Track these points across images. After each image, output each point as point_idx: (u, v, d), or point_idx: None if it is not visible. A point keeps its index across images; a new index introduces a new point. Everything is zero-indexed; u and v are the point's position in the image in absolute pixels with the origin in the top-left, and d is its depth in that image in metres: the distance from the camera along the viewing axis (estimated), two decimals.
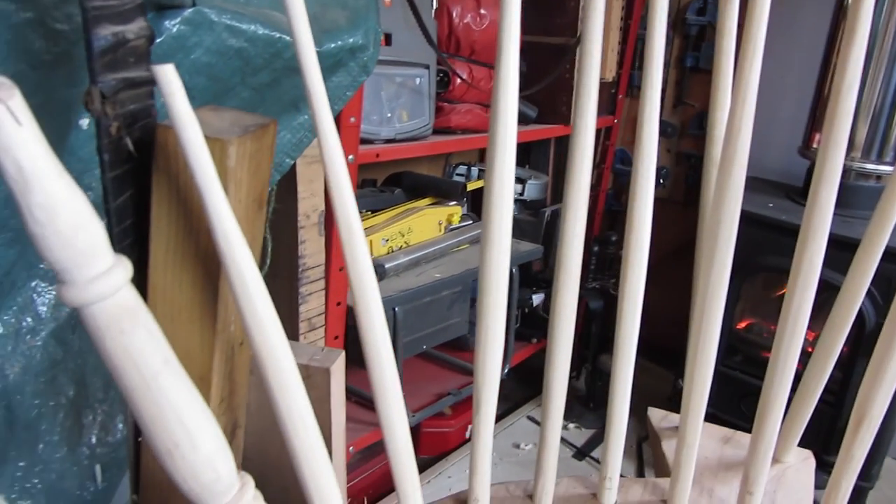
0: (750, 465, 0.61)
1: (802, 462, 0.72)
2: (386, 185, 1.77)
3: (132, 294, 0.35)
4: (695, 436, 0.61)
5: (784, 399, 0.60)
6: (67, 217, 0.32)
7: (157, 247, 0.46)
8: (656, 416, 0.77)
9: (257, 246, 0.53)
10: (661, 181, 2.17)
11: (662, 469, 0.71)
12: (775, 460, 0.71)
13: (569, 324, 0.58)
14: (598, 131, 2.22)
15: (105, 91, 0.43)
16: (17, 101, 0.30)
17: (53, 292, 0.63)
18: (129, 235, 0.46)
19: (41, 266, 0.62)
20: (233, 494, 0.41)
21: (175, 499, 0.53)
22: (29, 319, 0.61)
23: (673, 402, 1.81)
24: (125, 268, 0.35)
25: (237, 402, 0.55)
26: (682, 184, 2.15)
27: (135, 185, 0.46)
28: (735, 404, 1.70)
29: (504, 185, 0.54)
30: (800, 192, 1.76)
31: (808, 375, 0.67)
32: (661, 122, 2.15)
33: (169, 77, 0.38)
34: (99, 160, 0.44)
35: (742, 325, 1.79)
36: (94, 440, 0.62)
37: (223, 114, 0.47)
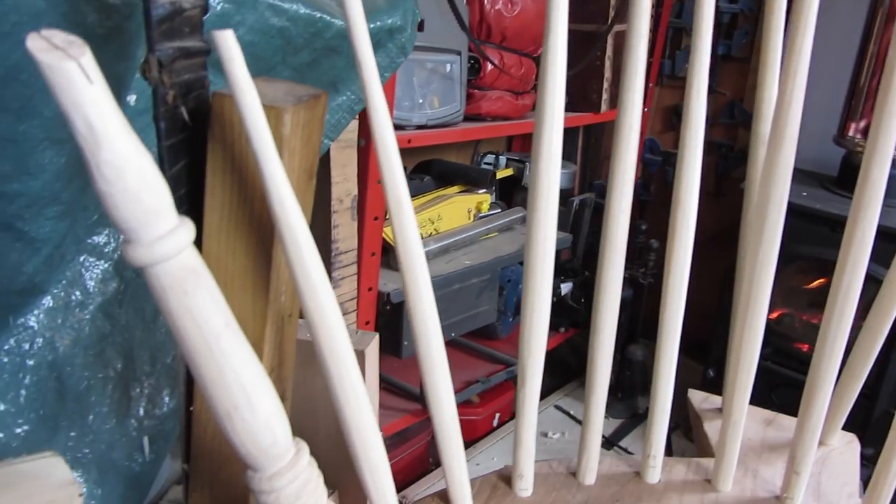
0: (797, 445, 0.61)
1: (846, 445, 0.71)
2: (415, 172, 1.77)
3: (195, 255, 0.36)
4: (741, 413, 0.61)
5: (832, 378, 0.59)
6: (135, 176, 0.32)
7: (211, 215, 0.46)
8: (697, 397, 0.77)
9: (307, 217, 0.53)
10: None
11: (705, 450, 0.70)
12: (820, 443, 0.70)
13: (614, 299, 0.58)
14: None
15: (162, 59, 0.43)
16: (88, 60, 0.31)
17: (101, 267, 0.63)
18: (184, 204, 0.47)
19: (89, 241, 0.63)
20: (288, 459, 0.41)
21: (225, 468, 0.53)
22: (77, 293, 0.62)
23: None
24: (189, 229, 0.35)
25: (285, 373, 0.55)
26: (712, 174, 2.12)
27: (189, 155, 0.47)
28: (766, 395, 1.69)
29: (552, 154, 0.54)
30: (834, 182, 1.74)
31: (852, 359, 0.66)
32: None
33: (228, 42, 0.38)
34: (155, 128, 0.44)
35: (773, 315, 1.77)
36: (141, 412, 0.63)
37: (276, 84, 0.48)
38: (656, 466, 0.62)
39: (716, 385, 1.42)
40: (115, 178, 0.32)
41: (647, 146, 2.17)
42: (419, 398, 1.54)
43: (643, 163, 2.21)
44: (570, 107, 1.83)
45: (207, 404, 0.38)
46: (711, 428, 0.72)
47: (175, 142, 0.45)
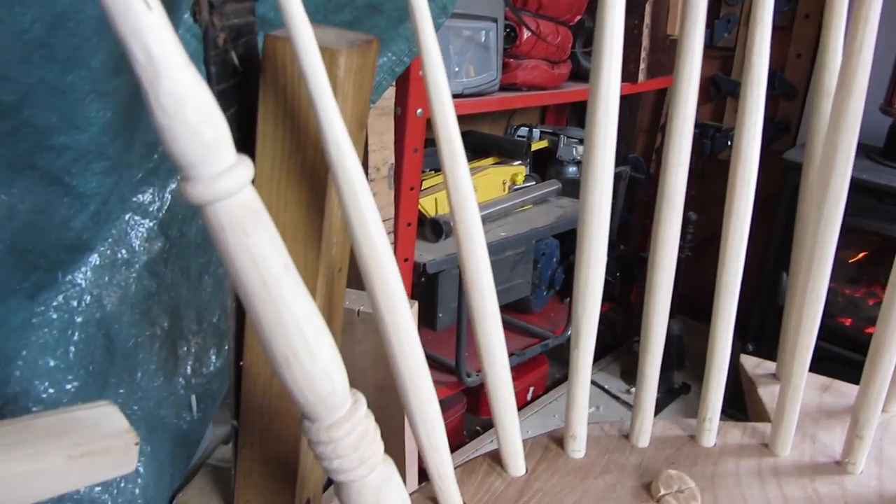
0: (860, 408, 0.58)
1: None
2: None
3: (255, 195, 0.35)
4: (801, 376, 0.59)
5: None
6: (195, 107, 0.31)
7: (262, 164, 0.45)
8: (749, 363, 0.75)
9: None
10: (729, 143, 2.10)
11: (759, 415, 0.68)
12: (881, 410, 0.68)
13: (671, 256, 0.56)
14: (662, 91, 2.16)
15: (213, 0, 0.42)
16: None
17: (146, 226, 0.63)
18: None
19: (134, 199, 0.62)
20: (346, 409, 0.40)
21: (275, 423, 0.53)
22: (123, 252, 0.61)
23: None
24: (248, 166, 0.34)
25: (334, 330, 0.54)
26: None
27: (239, 102, 0.46)
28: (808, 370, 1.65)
29: (610, 99, 0.52)
30: (881, 152, 1.69)
31: None
32: (730, 82, 2.08)
33: None
34: (206, 73, 0.43)
35: None
36: (188, 371, 0.63)
37: (326, 29, 0.46)
38: (712, 430, 0.61)
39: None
40: (175, 110, 0.31)
41: None
42: (454, 370, 1.54)
43: None
44: None
45: (265, 351, 0.37)
46: (765, 393, 0.70)
47: (225, 87, 0.44)
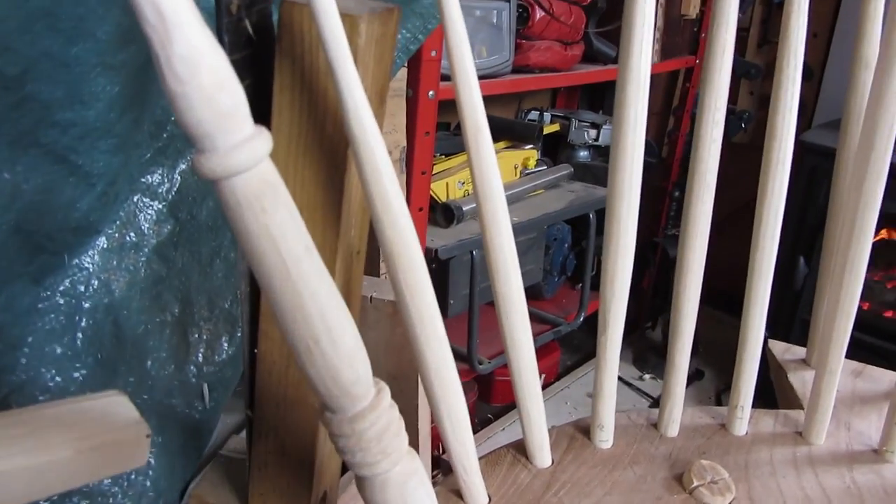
0: None
1: None
2: (460, 128, 1.72)
3: (273, 169, 0.32)
4: (838, 363, 0.56)
5: None
6: (209, 72, 0.29)
7: (278, 139, 0.43)
8: (778, 348, 0.72)
9: None
10: (743, 126, 2.07)
11: (790, 402, 0.66)
12: None
13: (703, 234, 0.54)
14: (675, 73, 2.12)
15: None
16: None
17: (155, 208, 0.61)
18: None
19: (142, 180, 0.60)
20: (370, 399, 0.38)
21: (291, 414, 0.50)
22: (132, 234, 0.59)
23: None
24: (266, 138, 0.32)
25: (353, 316, 0.52)
26: (764, 129, 2.04)
27: (253, 74, 0.43)
28: None
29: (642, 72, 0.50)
30: None
31: None
32: (744, 63, 2.04)
33: None
34: (218, 42, 0.41)
35: None
36: (200, 358, 0.60)
37: None
38: (744, 418, 0.58)
39: None
40: (189, 75, 0.28)
41: (696, 101, 2.09)
42: (465, 358, 1.51)
43: (691, 119, 2.13)
44: (617, 59, 1.76)
45: (285, 337, 0.35)
46: (796, 379, 0.67)
47: (239, 58, 0.42)
